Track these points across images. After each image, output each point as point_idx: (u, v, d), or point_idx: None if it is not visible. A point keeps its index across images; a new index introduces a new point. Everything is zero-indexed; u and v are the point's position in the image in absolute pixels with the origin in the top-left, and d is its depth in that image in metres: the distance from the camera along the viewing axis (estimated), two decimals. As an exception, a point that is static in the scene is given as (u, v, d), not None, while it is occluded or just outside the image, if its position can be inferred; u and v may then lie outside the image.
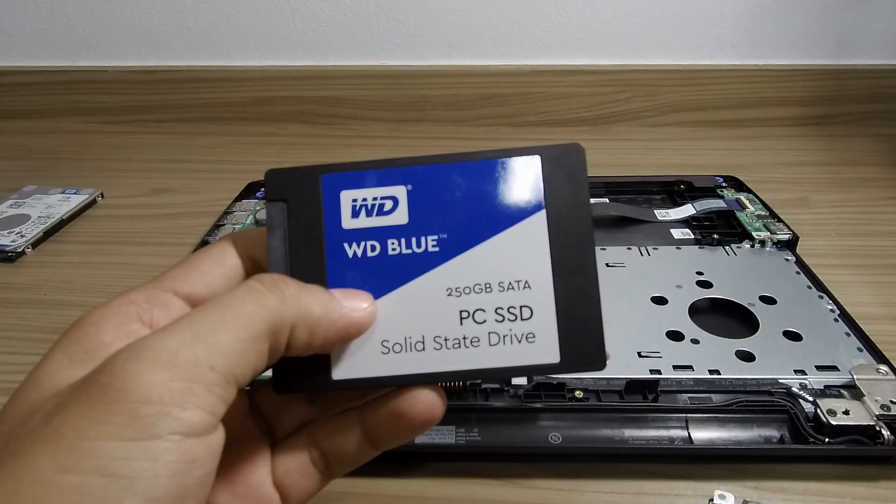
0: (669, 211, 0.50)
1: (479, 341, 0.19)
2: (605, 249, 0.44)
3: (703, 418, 0.31)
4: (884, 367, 0.33)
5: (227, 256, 0.20)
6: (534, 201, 0.20)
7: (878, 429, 0.30)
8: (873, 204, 0.55)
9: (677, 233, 0.47)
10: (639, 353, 0.35)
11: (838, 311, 0.38)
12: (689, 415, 0.32)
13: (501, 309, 0.19)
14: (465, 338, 0.19)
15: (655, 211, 0.50)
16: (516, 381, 0.32)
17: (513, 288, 0.20)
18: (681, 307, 0.38)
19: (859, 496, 0.29)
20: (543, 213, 0.20)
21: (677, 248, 0.45)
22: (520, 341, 0.19)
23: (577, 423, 0.31)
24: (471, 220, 0.20)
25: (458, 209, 0.20)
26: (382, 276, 0.20)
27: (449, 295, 0.19)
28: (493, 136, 0.71)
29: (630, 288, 0.40)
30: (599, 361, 0.20)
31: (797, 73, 0.69)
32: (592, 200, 0.50)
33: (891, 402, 0.31)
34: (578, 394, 0.32)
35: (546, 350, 0.19)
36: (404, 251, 0.20)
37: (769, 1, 0.67)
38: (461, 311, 0.19)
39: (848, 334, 0.36)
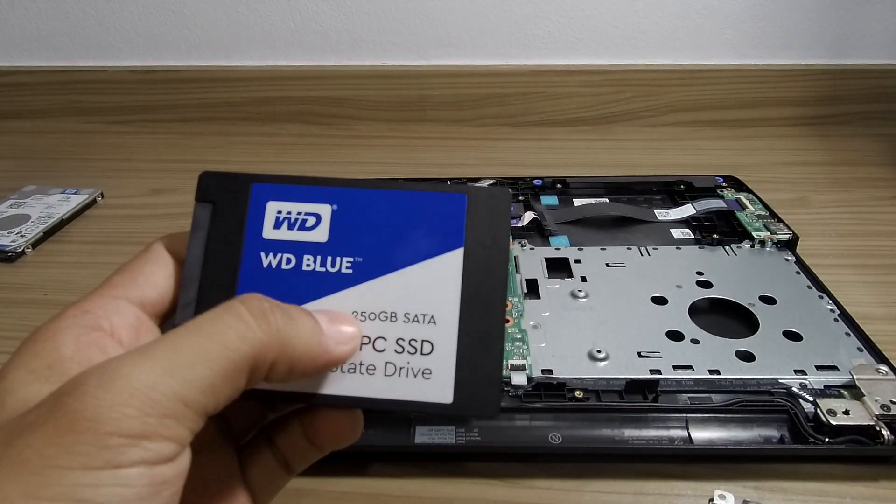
0: (669, 211, 0.50)
1: (374, 370, 0.19)
2: (605, 249, 0.44)
3: (703, 418, 0.31)
4: (884, 367, 0.33)
5: (166, 258, 0.20)
6: (453, 238, 0.20)
7: (878, 429, 0.30)
8: (873, 204, 0.55)
9: (677, 233, 0.47)
10: (639, 353, 0.35)
11: (838, 311, 0.38)
12: (689, 415, 0.32)
13: (403, 340, 0.19)
14: (361, 364, 0.19)
15: (655, 211, 0.50)
16: (516, 380, 0.32)
17: (417, 321, 0.19)
18: (681, 307, 0.38)
19: (859, 496, 0.29)
20: (461, 251, 0.20)
21: (677, 248, 0.45)
22: (416, 376, 0.19)
23: (577, 423, 0.31)
24: (388, 248, 0.20)
25: (378, 235, 0.20)
26: (292, 290, 0.20)
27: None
28: (494, 135, 0.71)
29: (630, 288, 0.40)
30: (492, 409, 0.19)
31: (797, 73, 0.69)
32: (593, 200, 0.51)
33: (891, 402, 0.31)
34: (578, 394, 0.32)
35: (440, 389, 0.19)
36: (318, 269, 0.20)
37: (769, 1, 0.67)
38: (362, 337, 0.19)
39: (848, 334, 0.36)
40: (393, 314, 0.19)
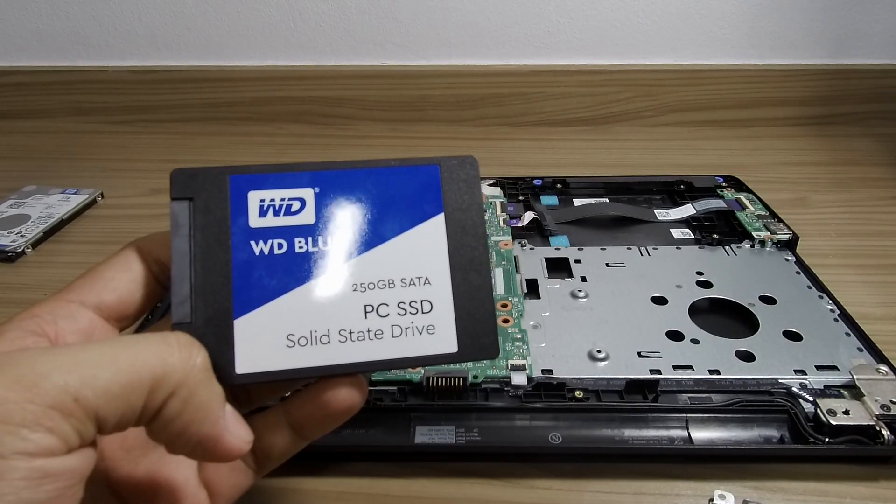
0: (669, 211, 0.50)
1: (382, 334, 0.20)
2: (605, 249, 0.44)
3: (703, 418, 0.31)
4: (884, 367, 0.33)
5: (133, 262, 0.20)
6: (433, 206, 0.21)
7: (878, 429, 0.30)
8: (873, 204, 0.55)
9: (677, 233, 0.47)
10: (639, 353, 0.35)
11: (838, 311, 0.38)
12: (689, 415, 0.32)
13: (404, 303, 0.21)
14: (369, 330, 0.20)
15: (655, 211, 0.50)
16: (516, 380, 0.32)
17: (414, 284, 0.21)
18: (681, 307, 0.38)
19: (859, 496, 0.29)
20: (442, 216, 0.21)
21: (677, 248, 0.45)
22: (421, 333, 0.21)
23: (577, 423, 0.31)
24: (375, 222, 0.21)
25: (364, 211, 0.21)
26: (289, 272, 0.20)
27: (354, 290, 0.20)
28: (493, 136, 0.71)
29: (630, 288, 0.40)
30: (493, 350, 0.21)
31: (797, 73, 0.69)
32: (593, 200, 0.51)
33: (891, 401, 0.31)
34: (578, 394, 0.32)
35: (445, 341, 0.21)
36: (311, 249, 0.21)
37: (769, 1, 0.67)
38: (366, 306, 0.20)
39: (848, 334, 0.36)
40: (390, 281, 0.21)
